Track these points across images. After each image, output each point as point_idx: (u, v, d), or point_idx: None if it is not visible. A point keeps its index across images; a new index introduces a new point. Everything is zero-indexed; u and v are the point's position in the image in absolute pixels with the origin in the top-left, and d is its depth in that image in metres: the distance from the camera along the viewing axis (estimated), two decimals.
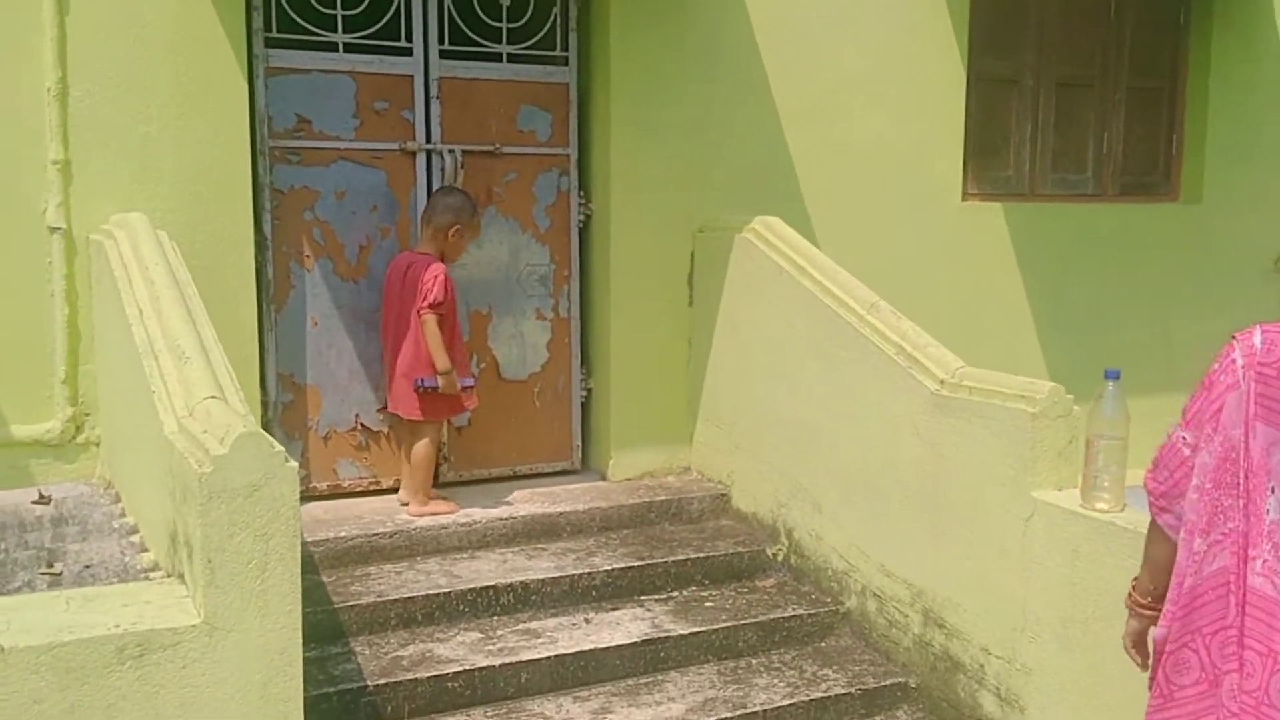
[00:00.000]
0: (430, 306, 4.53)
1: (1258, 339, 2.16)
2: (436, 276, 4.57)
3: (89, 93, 4.31)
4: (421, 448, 4.68)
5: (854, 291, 4.43)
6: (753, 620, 4.31)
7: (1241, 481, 2.13)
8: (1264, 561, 2.10)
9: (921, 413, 4.02)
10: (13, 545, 3.85)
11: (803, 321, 4.61)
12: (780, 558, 4.77)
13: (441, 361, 4.55)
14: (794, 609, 4.42)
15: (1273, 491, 2.11)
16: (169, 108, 4.40)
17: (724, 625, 4.26)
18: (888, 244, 5.72)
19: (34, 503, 4.09)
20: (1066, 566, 3.46)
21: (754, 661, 4.24)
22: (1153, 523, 2.34)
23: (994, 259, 6.07)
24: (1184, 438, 2.24)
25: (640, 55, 5.12)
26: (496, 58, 5.07)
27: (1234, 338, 2.20)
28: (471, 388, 4.73)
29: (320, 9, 4.74)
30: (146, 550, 3.59)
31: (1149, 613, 2.40)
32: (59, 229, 4.33)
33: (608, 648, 4.06)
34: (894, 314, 4.29)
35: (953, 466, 3.91)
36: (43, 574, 3.66)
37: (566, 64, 5.18)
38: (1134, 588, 2.46)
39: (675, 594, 4.53)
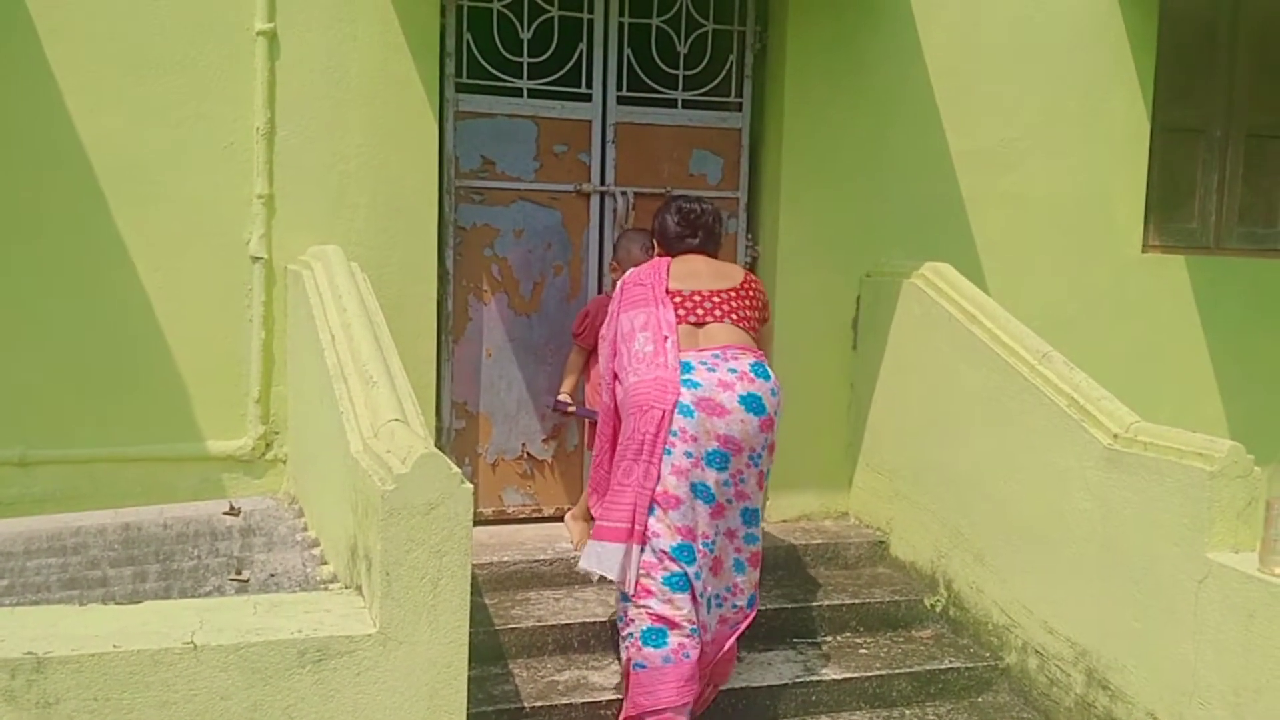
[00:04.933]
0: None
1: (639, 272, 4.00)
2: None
3: (294, 132, 4.60)
4: None
5: (1025, 341, 4.36)
6: (907, 670, 4.26)
7: (653, 333, 3.79)
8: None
9: (1092, 467, 3.93)
10: (205, 553, 4.11)
11: (970, 370, 4.55)
12: (939, 609, 4.69)
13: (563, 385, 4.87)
14: (951, 661, 4.35)
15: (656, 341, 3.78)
16: (365, 148, 4.67)
17: (877, 673, 4.22)
18: (1062, 294, 5.60)
19: (225, 514, 4.32)
20: (1240, 632, 3.32)
21: (907, 712, 4.18)
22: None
23: (1174, 313, 5.88)
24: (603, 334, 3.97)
25: (813, 102, 5.17)
26: (671, 104, 5.20)
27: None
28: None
29: (508, 57, 4.96)
30: (326, 563, 3.79)
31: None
32: (260, 259, 4.60)
33: (759, 687, 4.08)
34: (1067, 365, 4.20)
35: (1123, 523, 3.80)
36: (232, 580, 3.90)
37: (740, 110, 5.28)
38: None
39: (828, 639, 4.51)
